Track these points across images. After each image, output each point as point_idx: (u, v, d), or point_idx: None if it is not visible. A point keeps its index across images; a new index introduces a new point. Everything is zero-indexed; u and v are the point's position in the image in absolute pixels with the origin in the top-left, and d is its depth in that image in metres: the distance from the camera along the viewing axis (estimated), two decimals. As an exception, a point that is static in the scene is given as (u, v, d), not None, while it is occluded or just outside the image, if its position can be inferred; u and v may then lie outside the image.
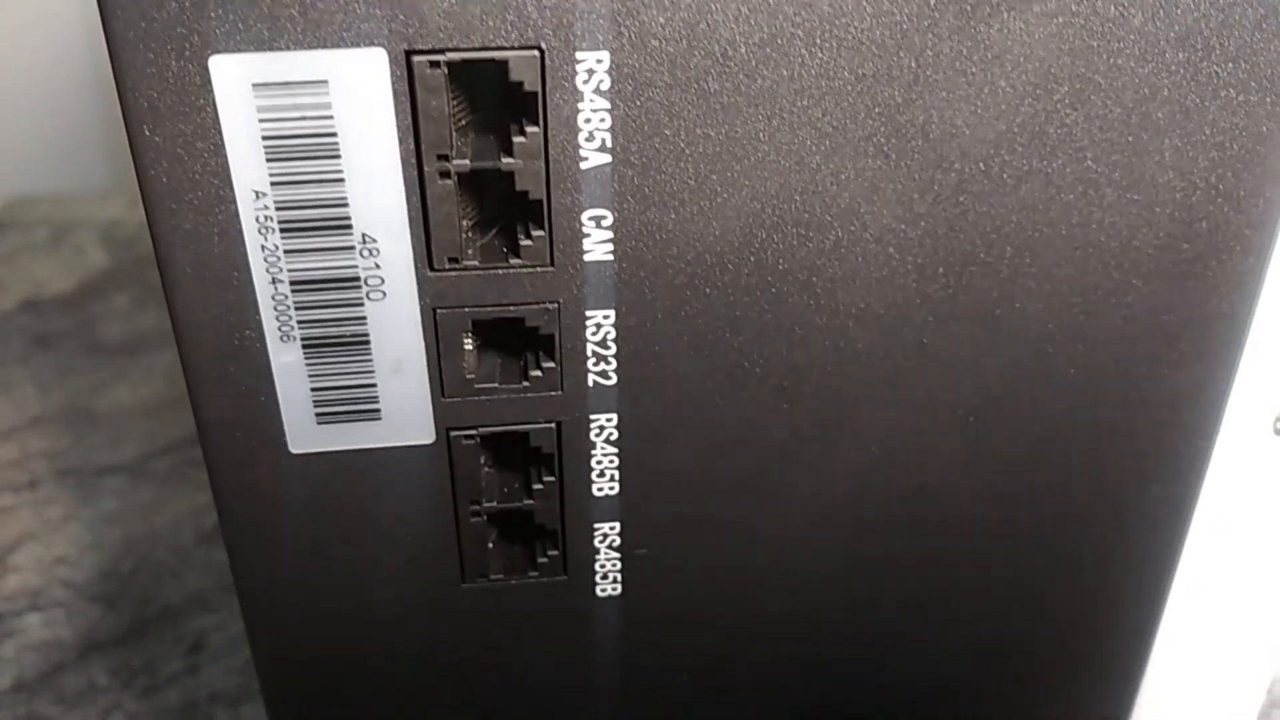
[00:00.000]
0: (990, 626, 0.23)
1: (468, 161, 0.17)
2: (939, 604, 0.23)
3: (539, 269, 0.18)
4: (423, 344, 0.19)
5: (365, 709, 0.22)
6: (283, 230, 0.17)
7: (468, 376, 0.19)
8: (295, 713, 0.21)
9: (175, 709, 0.48)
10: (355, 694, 0.22)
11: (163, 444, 0.64)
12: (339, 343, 0.18)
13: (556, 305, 0.19)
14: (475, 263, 0.18)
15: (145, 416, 0.66)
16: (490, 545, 0.21)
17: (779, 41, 0.17)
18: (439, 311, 0.18)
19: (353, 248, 0.18)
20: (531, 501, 0.20)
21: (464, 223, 0.18)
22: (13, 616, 0.53)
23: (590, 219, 0.18)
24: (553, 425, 0.20)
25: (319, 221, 0.17)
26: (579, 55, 0.17)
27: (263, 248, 0.17)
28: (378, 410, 0.19)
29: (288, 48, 0.16)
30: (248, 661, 0.50)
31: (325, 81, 0.16)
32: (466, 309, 0.18)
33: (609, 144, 0.17)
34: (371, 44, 0.16)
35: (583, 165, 0.17)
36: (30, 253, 0.85)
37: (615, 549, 0.21)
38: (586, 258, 0.18)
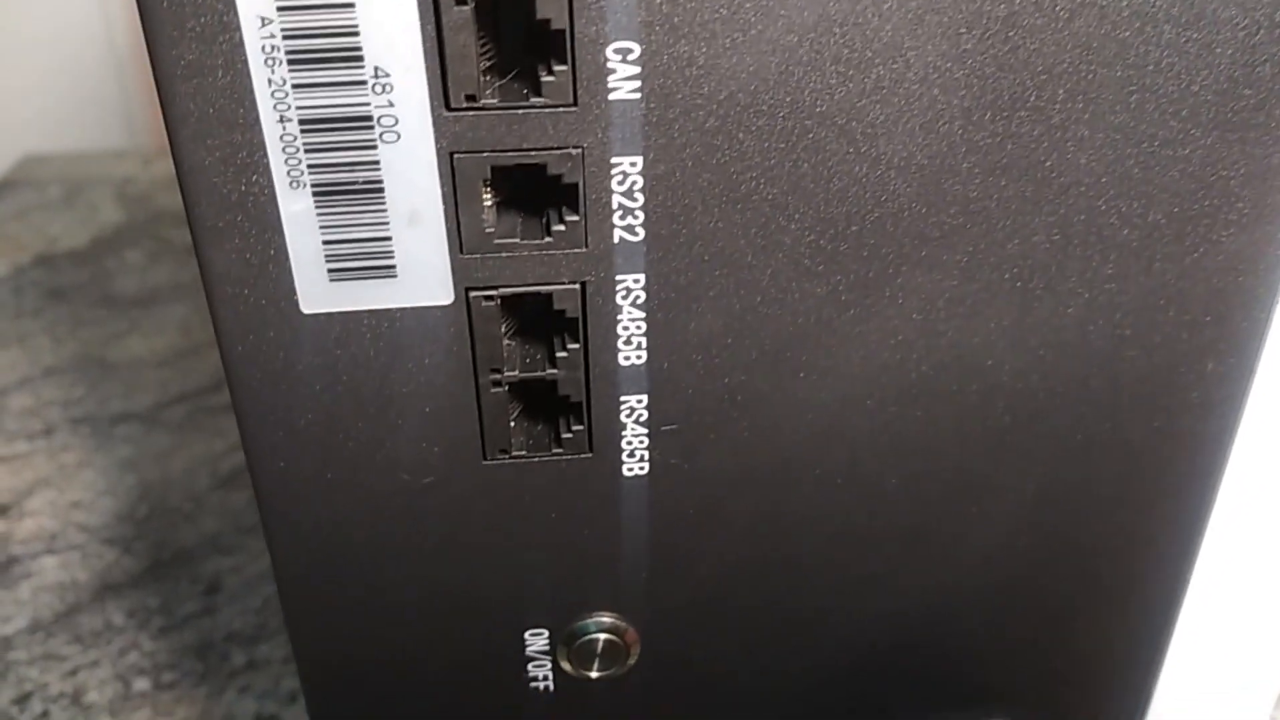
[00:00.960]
0: (1029, 519, 0.22)
1: (484, -16, 0.16)
2: (978, 489, 0.21)
3: (561, 109, 0.17)
4: (440, 192, 0.18)
5: (380, 592, 0.21)
6: (290, 61, 0.16)
7: (487, 230, 0.18)
8: (308, 593, 0.21)
9: (192, 648, 0.48)
10: (369, 575, 0.21)
11: (176, 393, 0.64)
12: (351, 190, 0.17)
13: (580, 150, 0.17)
14: (494, 101, 0.17)
15: (159, 366, 0.66)
16: (512, 421, 0.20)
17: None
18: (456, 156, 0.17)
19: (364, 82, 0.17)
20: (555, 371, 0.19)
21: (483, 63, 0.17)
22: (29, 559, 0.52)
23: (616, 52, 0.17)
24: (577, 286, 0.19)
25: (328, 52, 0.16)
26: None
27: (269, 81, 0.16)
28: (393, 266, 0.18)
29: None
30: (265, 601, 0.50)
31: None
32: (485, 154, 0.17)
33: (635, -33, 0.16)
34: None
35: (607, -11, 0.16)
36: (44, 209, 0.84)
37: (642, 424, 0.20)
38: (612, 96, 0.17)
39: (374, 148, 0.17)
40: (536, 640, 0.22)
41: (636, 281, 0.19)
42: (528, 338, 0.20)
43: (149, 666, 0.47)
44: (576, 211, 0.18)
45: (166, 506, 0.55)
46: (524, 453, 0.20)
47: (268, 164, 0.17)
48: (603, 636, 0.22)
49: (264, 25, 0.16)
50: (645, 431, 0.20)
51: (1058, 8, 0.17)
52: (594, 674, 0.22)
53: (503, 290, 0.19)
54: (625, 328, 0.19)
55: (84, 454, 0.59)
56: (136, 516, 0.55)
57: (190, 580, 0.51)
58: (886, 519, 0.22)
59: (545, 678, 0.23)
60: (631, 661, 0.22)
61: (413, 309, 0.19)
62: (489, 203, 0.18)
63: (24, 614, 0.50)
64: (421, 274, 0.18)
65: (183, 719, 0.45)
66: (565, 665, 0.22)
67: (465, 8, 0.16)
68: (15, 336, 0.70)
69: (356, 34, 0.16)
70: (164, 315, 0.70)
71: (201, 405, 0.62)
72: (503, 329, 0.19)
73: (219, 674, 0.47)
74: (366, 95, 0.17)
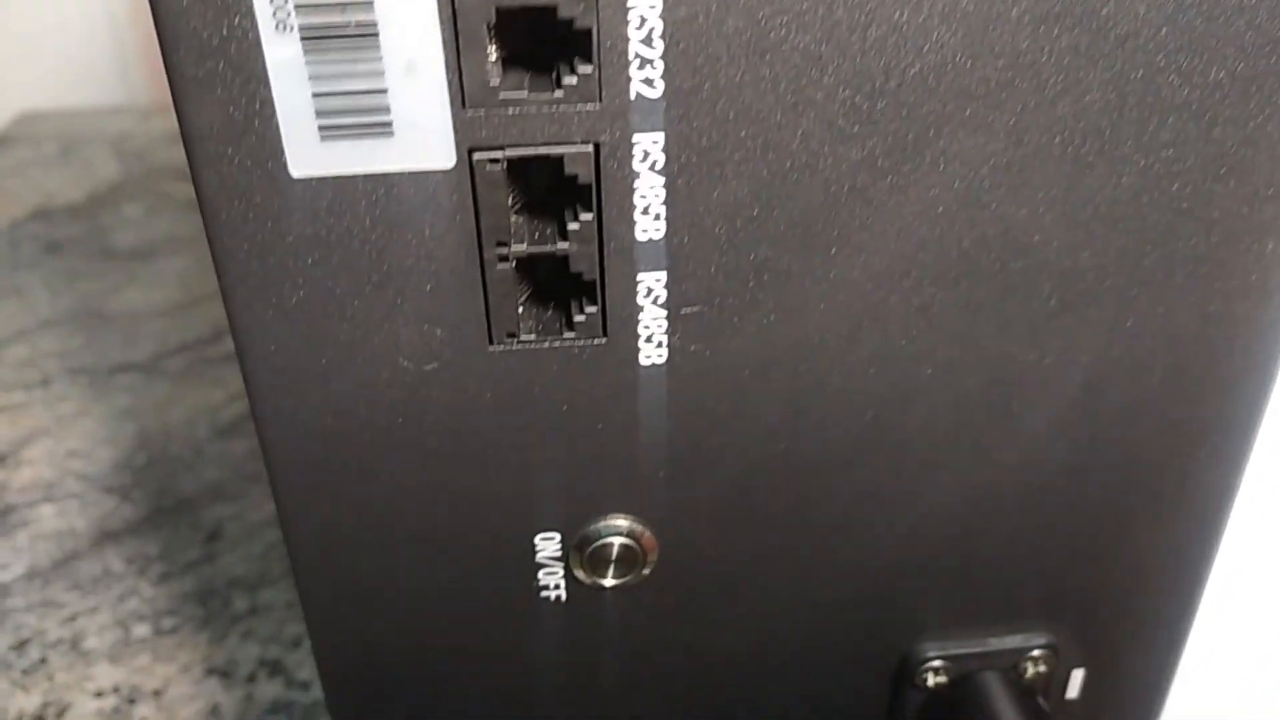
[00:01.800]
0: (1073, 415, 0.21)
1: None
2: (1020, 379, 0.20)
3: (573, -56, 0.16)
4: (440, 39, 0.16)
5: (379, 491, 0.20)
6: (274, -118, 0.15)
7: (491, 83, 0.17)
8: (303, 493, 0.19)
9: (193, 594, 0.47)
10: (368, 472, 0.19)
11: (176, 343, 0.62)
12: (343, 35, 0.16)
13: (594, -11, 0.16)
14: (499, -70, 0.16)
15: (158, 317, 0.65)
16: (520, 304, 0.19)
17: None
18: (458, -4, 0.16)
19: (356, -90, 0.15)
20: (566, 245, 0.18)
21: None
22: (26, 508, 0.51)
23: None
24: (589, 147, 0.17)
25: None
26: None
27: (251, -94, 0.15)
28: (389, 123, 0.17)
29: None
30: (268, 547, 0.49)
31: None
32: (489, -9, 0.16)
33: None
34: None
35: None
36: (41, 165, 0.83)
37: (661, 305, 0.19)
38: (629, -75, 0.16)
39: (367, -15, 0.16)
40: (548, 545, 0.21)
41: (655, 143, 0.17)
42: (537, 212, 0.18)
43: (149, 613, 0.46)
44: (589, 61, 0.17)
45: (167, 455, 0.54)
46: (533, 337, 0.19)
47: (251, 3, 0.16)
48: (618, 541, 0.21)
49: None
50: (664, 314, 0.19)
51: None
52: (608, 582, 0.21)
53: (509, 152, 0.17)
54: (643, 196, 0.18)
55: (82, 404, 0.58)
56: (135, 465, 0.54)
57: (191, 527, 0.50)
58: (921, 413, 0.20)
59: (557, 586, 0.21)
60: (647, 570, 0.21)
61: (411, 173, 0.17)
62: (494, 57, 0.17)
63: (21, 561, 0.49)
64: (420, 132, 0.17)
65: (184, 664, 0.44)
66: (578, 572, 0.21)
67: None
68: (12, 289, 0.69)
69: None
70: (163, 267, 0.69)
71: (202, 355, 0.61)
72: (509, 199, 0.18)
73: (221, 619, 0.45)
74: (358, -76, 0.15)
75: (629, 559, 0.21)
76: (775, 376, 0.19)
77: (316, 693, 0.42)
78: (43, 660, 0.44)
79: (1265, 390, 0.21)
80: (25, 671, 0.43)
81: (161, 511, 0.51)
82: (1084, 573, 0.22)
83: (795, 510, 0.21)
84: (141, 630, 0.45)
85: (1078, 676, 0.24)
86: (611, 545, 0.21)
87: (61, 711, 0.42)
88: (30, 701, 0.42)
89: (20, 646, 0.45)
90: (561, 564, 0.21)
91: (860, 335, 0.19)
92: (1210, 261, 0.20)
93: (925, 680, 0.23)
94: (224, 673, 0.43)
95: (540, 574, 0.21)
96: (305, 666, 0.43)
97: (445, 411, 0.19)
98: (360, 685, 0.22)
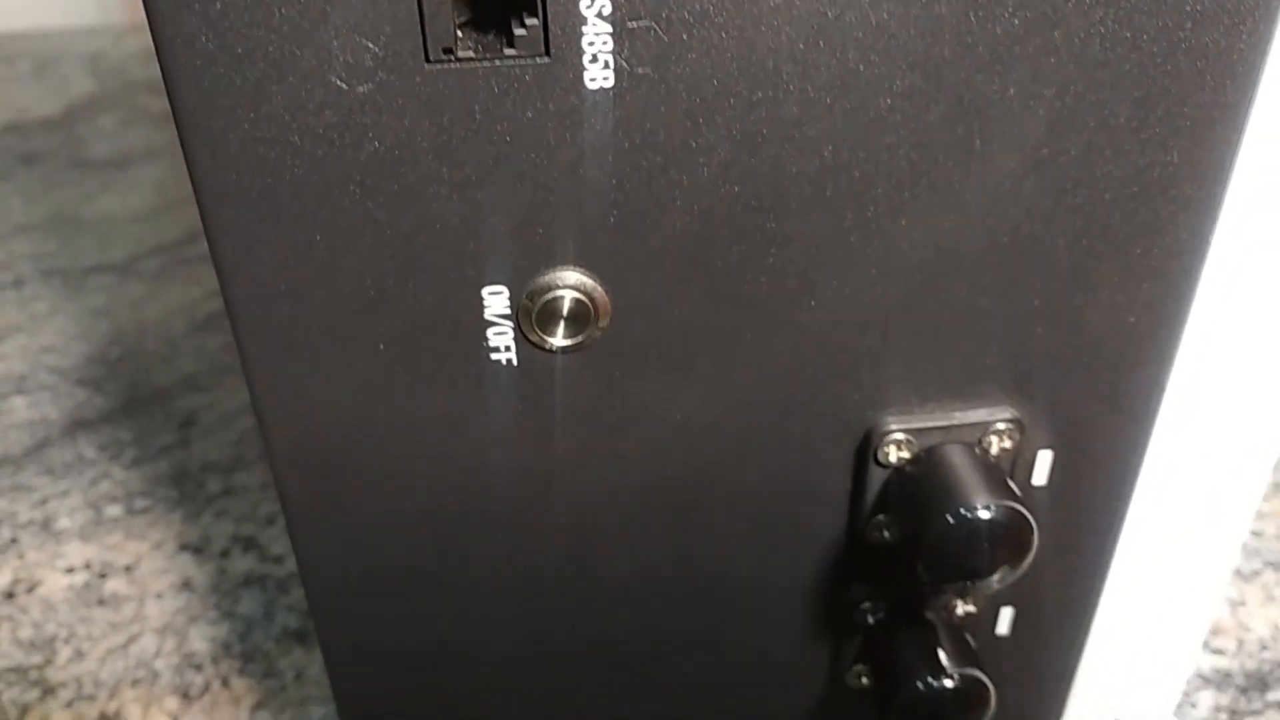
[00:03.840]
0: (1039, 154, 0.20)
1: None
2: (983, 111, 0.19)
3: None
4: None
5: (312, 225, 0.19)
6: None
7: None
8: (237, 222, 0.18)
9: (166, 478, 0.46)
10: (306, 206, 0.18)
11: (152, 246, 0.61)
12: None
13: None
14: None
15: (133, 222, 0.64)
16: (459, 25, 0.18)
17: None
18: None
19: None
20: (504, -43, 0.17)
21: None
22: (-3, 400, 0.51)
23: None
24: None
25: None
26: None
27: None
28: None
29: None
30: (242, 434, 0.48)
31: None
32: None
33: None
34: None
35: None
36: (14, 82, 0.82)
37: (606, 19, 0.18)
38: None
39: None
40: (496, 301, 0.20)
41: None
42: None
43: (121, 495, 0.45)
44: None
45: (141, 350, 0.54)
46: (472, 55, 0.18)
47: None
48: (569, 295, 0.20)
49: None
50: (609, 29, 0.18)
51: None
52: (559, 342, 0.20)
53: None
54: (586, -107, 0.17)
55: (55, 303, 0.57)
56: (109, 359, 0.53)
57: (165, 416, 0.49)
58: (881, 150, 0.19)
59: (507, 349, 0.21)
60: (600, 329, 0.20)
61: None
62: None
63: (-7, 449, 0.48)
64: None
65: (156, 541, 0.43)
66: (529, 332, 0.20)
67: None
68: (-15, 198, 0.68)
69: None
70: (138, 176, 0.68)
71: (178, 257, 0.60)
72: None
73: (195, 500, 0.45)
74: None
75: (581, 316, 0.20)
76: (727, 106, 0.19)
77: (290, 566, 0.42)
78: (13, 540, 0.43)
79: (1235, 136, 0.20)
80: (-4, 550, 0.43)
81: (135, 401, 0.50)
82: (1050, 339, 0.21)
83: (750, 262, 0.20)
84: (114, 511, 0.45)
85: (1045, 459, 0.23)
86: (562, 300, 0.20)
87: (32, 587, 0.41)
88: (0, 579, 0.42)
89: (-9, 527, 0.44)
90: (511, 322, 0.20)
91: (816, 59, 0.18)
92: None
93: (888, 455, 0.22)
94: (197, 549, 0.43)
95: (489, 333, 0.20)
96: (279, 542, 0.43)
97: (383, 141, 0.18)
98: (309, 462, 0.21)
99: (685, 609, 0.24)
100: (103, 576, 0.42)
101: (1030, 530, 0.21)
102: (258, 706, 0.37)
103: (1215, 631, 0.39)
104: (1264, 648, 0.39)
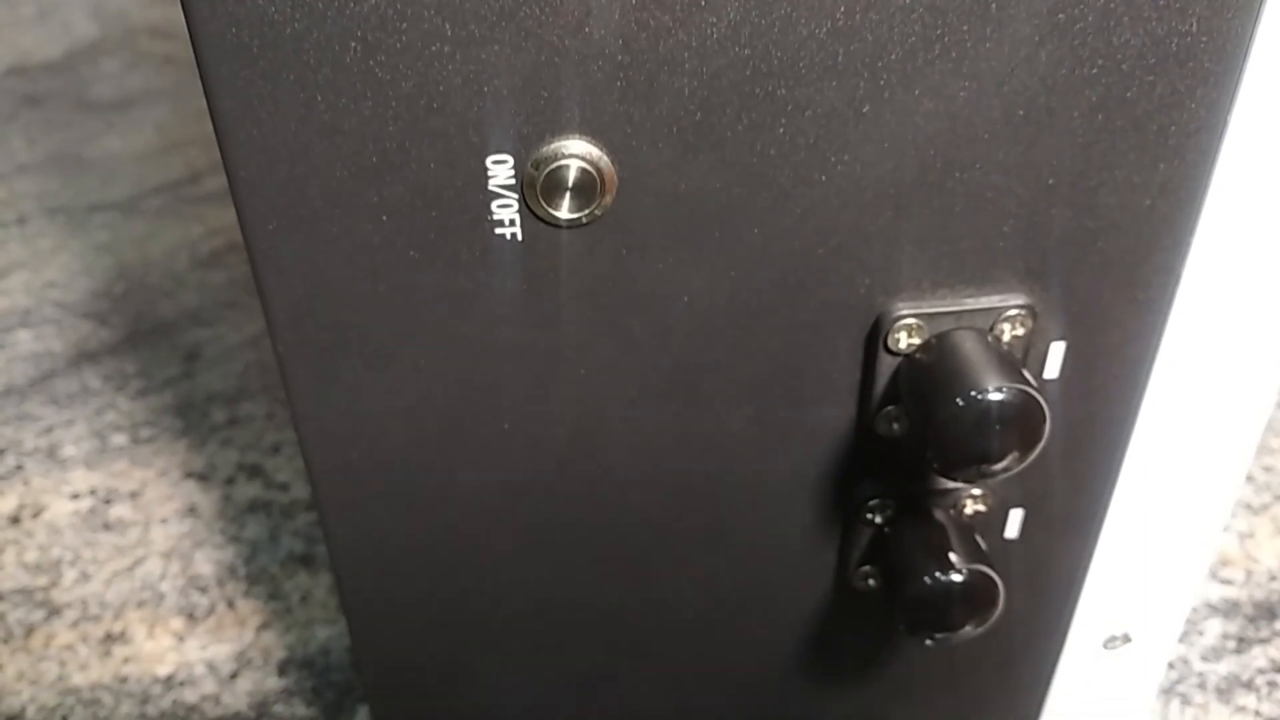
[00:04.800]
0: (1053, 19, 0.19)
1: None
2: None
3: None
4: None
5: (321, 97, 0.18)
6: None
7: None
8: (240, 102, 0.18)
9: (171, 408, 0.46)
10: (307, 71, 0.18)
11: (154, 185, 0.61)
12: None
13: None
14: None
15: (136, 162, 0.63)
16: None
17: None
18: None
19: None
20: None
21: None
22: (2, 333, 0.51)
23: None
24: None
25: None
26: None
27: None
28: None
29: None
30: (246, 366, 0.48)
31: None
32: None
33: None
34: None
35: None
36: (15, 26, 0.81)
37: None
38: None
39: None
40: (500, 171, 0.20)
41: None
42: None
43: (126, 424, 0.45)
44: None
45: (145, 284, 0.53)
46: (473, -97, 0.17)
47: None
48: (575, 165, 0.19)
49: None
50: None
51: None
52: (564, 214, 0.20)
53: None
54: None
55: (59, 240, 0.57)
56: (114, 293, 0.53)
57: (170, 348, 0.49)
58: (896, 11, 0.18)
59: (512, 222, 0.20)
60: (605, 203, 0.20)
61: None
62: None
63: (-3, 380, 0.48)
64: None
65: (161, 469, 0.43)
66: (533, 205, 0.20)
67: None
68: (-12, 139, 0.68)
69: None
70: (140, 117, 0.68)
71: (180, 196, 0.60)
72: None
73: (200, 429, 0.45)
74: None
75: (587, 187, 0.20)
76: None
77: (295, 493, 0.42)
78: (19, 467, 0.43)
79: (1256, 3, 0.19)
80: (2, 477, 0.43)
81: (139, 334, 0.50)
82: (1065, 221, 0.21)
83: (759, 132, 0.19)
84: (119, 439, 0.45)
85: (1058, 351, 0.23)
86: (568, 169, 0.19)
87: (37, 512, 0.41)
88: (5, 504, 0.42)
89: (-4, 455, 0.44)
90: (516, 194, 0.20)
91: None
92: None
93: (898, 342, 0.22)
94: (202, 476, 0.43)
95: (494, 206, 0.20)
96: (284, 471, 0.43)
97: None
98: (311, 338, 0.21)
99: (691, 503, 0.24)
100: (108, 502, 0.42)
101: (1042, 414, 0.21)
102: (263, 627, 0.37)
103: (1224, 562, 0.39)
104: (1273, 578, 0.39)
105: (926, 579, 0.23)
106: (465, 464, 0.23)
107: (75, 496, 0.42)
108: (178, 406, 0.46)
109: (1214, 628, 0.37)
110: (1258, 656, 0.35)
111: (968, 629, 0.23)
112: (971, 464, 0.21)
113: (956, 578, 0.23)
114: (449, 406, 0.22)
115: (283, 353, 0.21)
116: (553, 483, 0.23)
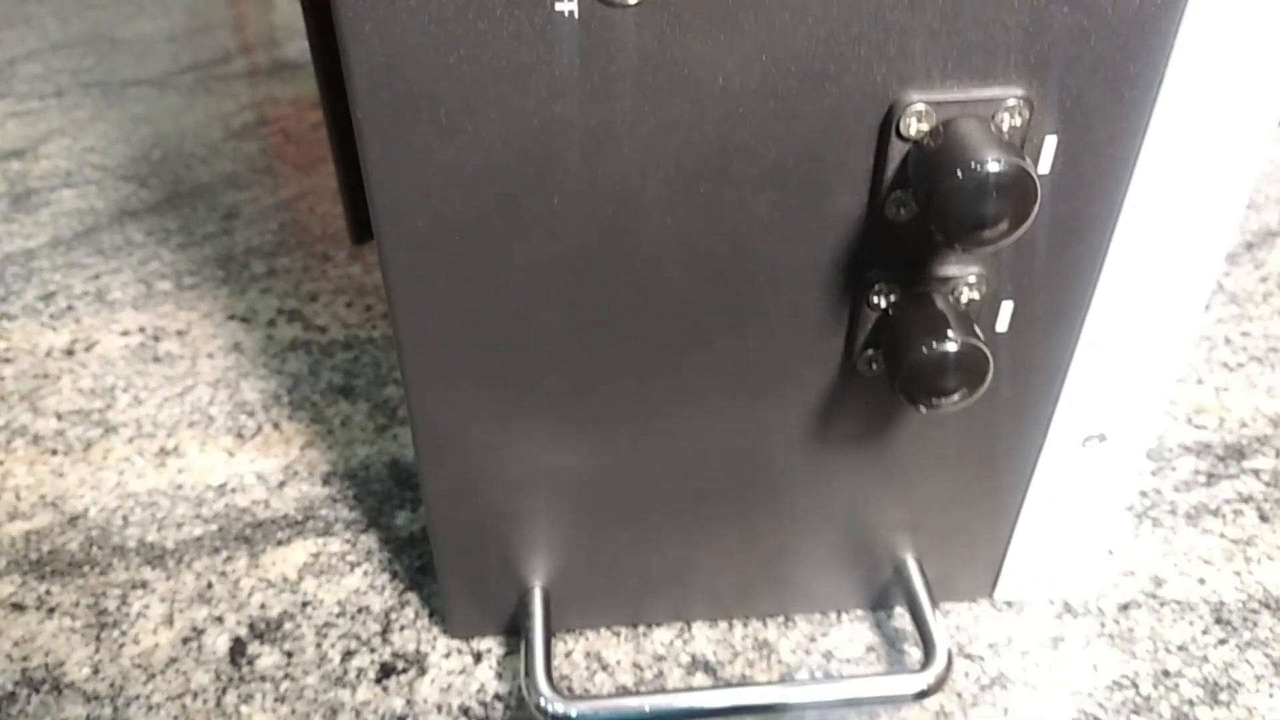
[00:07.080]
0: None
1: None
2: None
3: None
4: None
5: None
6: None
7: None
8: None
9: (212, 260, 0.49)
10: None
11: (187, 63, 0.63)
12: None
13: None
14: None
15: (168, 41, 0.65)
16: None
17: None
18: None
19: None
20: None
21: None
22: (47, 191, 0.53)
23: None
24: None
25: None
26: None
27: None
28: None
29: None
30: (282, 224, 0.50)
31: None
32: None
33: None
34: None
35: None
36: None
37: None
38: None
39: None
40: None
41: None
42: None
43: (170, 273, 0.48)
44: None
45: (181, 151, 0.56)
46: None
47: None
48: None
49: None
50: None
51: None
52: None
53: None
54: None
55: (96, 111, 0.59)
56: (152, 159, 0.55)
57: (208, 208, 0.52)
58: None
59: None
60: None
61: None
62: None
63: (45, 233, 0.51)
64: None
65: (205, 311, 0.46)
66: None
67: None
68: (21, 18, 0.69)
69: None
70: (171, 1, 0.69)
71: (212, 73, 0.62)
72: None
73: (240, 279, 0.48)
74: None
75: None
76: None
77: (333, 334, 0.44)
78: (69, 307, 0.46)
79: None
80: (54, 316, 0.45)
81: (178, 195, 0.52)
82: (1062, 18, 0.23)
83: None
84: (164, 285, 0.47)
85: (1050, 144, 0.25)
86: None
87: (90, 346, 0.44)
88: (59, 338, 0.44)
89: (48, 298, 0.47)
90: (573, -28, 0.22)
91: None
92: None
93: (909, 127, 0.24)
94: (244, 319, 0.45)
95: (553, -16, 0.22)
96: (321, 316, 0.45)
97: None
98: (392, 99, 0.23)
99: (716, 284, 0.27)
100: (156, 339, 0.44)
101: (1034, 186, 0.23)
102: (307, 446, 0.40)
103: (1199, 410, 0.42)
104: (1244, 425, 0.42)
105: (924, 348, 0.26)
106: (518, 235, 0.26)
107: (125, 333, 0.45)
108: (219, 258, 0.48)
109: (1187, 464, 0.40)
110: (1225, 489, 0.39)
111: (958, 396, 0.26)
112: (970, 230, 0.24)
113: (951, 347, 0.26)
114: (506, 178, 0.25)
115: (361, 119, 0.24)
116: (595, 258, 0.26)
